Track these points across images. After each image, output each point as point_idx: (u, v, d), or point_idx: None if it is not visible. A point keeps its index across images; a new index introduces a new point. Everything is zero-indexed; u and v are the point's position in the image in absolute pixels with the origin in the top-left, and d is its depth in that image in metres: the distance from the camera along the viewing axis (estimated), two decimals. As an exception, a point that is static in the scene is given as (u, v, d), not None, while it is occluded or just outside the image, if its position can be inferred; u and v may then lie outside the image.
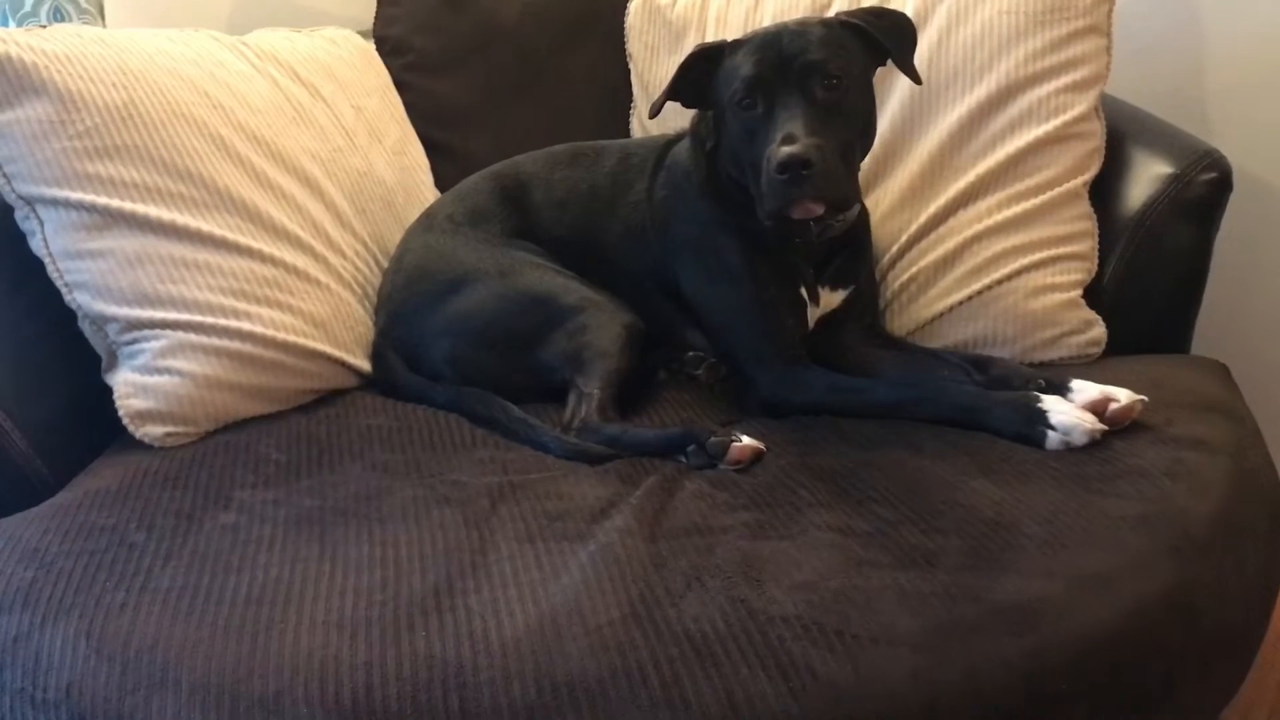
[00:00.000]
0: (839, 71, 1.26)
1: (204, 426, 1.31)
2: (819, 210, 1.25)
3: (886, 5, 1.62)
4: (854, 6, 1.66)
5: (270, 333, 1.35)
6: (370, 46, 1.91)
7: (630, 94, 1.90)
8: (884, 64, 1.37)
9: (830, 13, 1.67)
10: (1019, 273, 1.44)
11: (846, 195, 1.28)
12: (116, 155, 1.32)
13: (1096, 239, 1.47)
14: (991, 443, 1.19)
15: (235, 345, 1.32)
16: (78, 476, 1.24)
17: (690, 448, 1.22)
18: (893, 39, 1.34)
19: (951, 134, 1.52)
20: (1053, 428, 1.17)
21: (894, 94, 1.56)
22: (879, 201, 1.54)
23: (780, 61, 1.26)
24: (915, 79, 1.37)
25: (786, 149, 1.20)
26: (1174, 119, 1.58)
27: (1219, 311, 1.55)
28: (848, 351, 1.44)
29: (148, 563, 1.03)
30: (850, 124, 1.29)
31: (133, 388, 1.29)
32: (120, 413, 1.28)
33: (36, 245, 1.31)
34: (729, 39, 1.37)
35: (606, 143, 1.61)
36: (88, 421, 1.30)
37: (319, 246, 1.47)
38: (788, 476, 1.15)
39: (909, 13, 1.58)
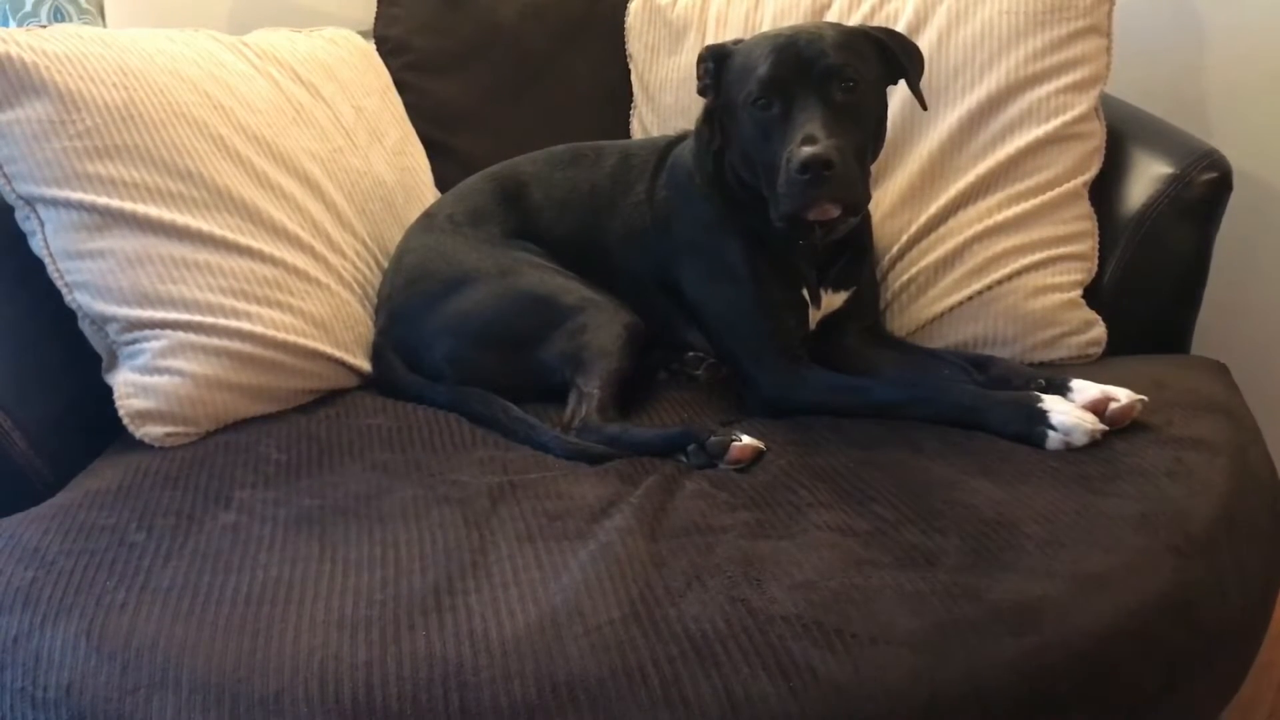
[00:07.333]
0: (857, 75, 1.27)
1: (204, 426, 1.31)
2: (836, 212, 1.25)
3: (882, 11, 1.63)
4: (852, 9, 1.66)
5: (270, 333, 1.35)
6: (370, 46, 1.91)
7: (630, 94, 1.91)
8: (894, 83, 1.37)
9: (830, 13, 1.68)
10: (1019, 273, 1.44)
11: (862, 198, 1.29)
12: (117, 155, 1.32)
13: (1096, 239, 1.47)
14: (992, 443, 1.19)
15: (235, 345, 1.32)
16: (78, 476, 1.24)
17: (690, 447, 1.22)
18: (906, 58, 1.35)
19: (951, 134, 1.52)
20: (1053, 427, 1.17)
21: (894, 95, 1.56)
22: (879, 201, 1.54)
23: (799, 63, 1.26)
24: (923, 104, 1.39)
25: (808, 149, 1.19)
26: (1174, 119, 1.58)
27: (1219, 311, 1.54)
28: (848, 352, 1.44)
29: (148, 562, 1.03)
30: (865, 127, 1.30)
31: (133, 388, 1.29)
32: (120, 412, 1.28)
33: (37, 245, 1.31)
34: (730, 40, 1.38)
35: (607, 143, 1.61)
36: (88, 421, 1.30)
37: (319, 246, 1.47)
38: (788, 476, 1.15)
39: (910, 13, 1.59)
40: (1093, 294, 1.45)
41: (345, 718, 0.85)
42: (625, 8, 1.91)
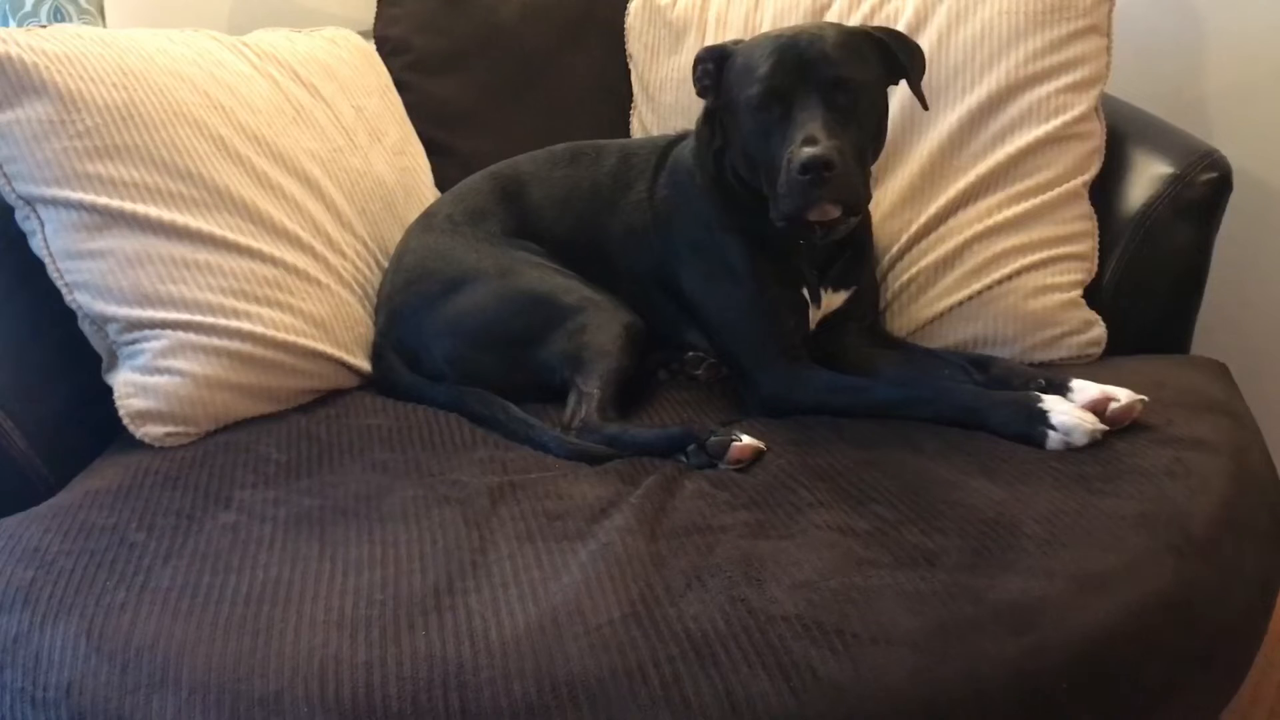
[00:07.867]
0: (857, 76, 1.27)
1: (204, 426, 1.31)
2: (836, 213, 1.25)
3: (882, 11, 1.63)
4: (852, 9, 1.66)
5: (270, 333, 1.35)
6: (370, 46, 1.91)
7: (630, 94, 1.91)
8: (895, 83, 1.37)
9: (830, 13, 1.68)
10: (1019, 273, 1.44)
11: (862, 198, 1.29)
12: (117, 155, 1.32)
13: (1096, 239, 1.47)
14: (992, 443, 1.19)
15: (235, 345, 1.32)
16: (78, 476, 1.24)
17: (690, 447, 1.22)
18: (907, 58, 1.35)
19: (952, 134, 1.52)
20: (1053, 428, 1.17)
21: (894, 95, 1.56)
22: (879, 201, 1.54)
23: (800, 64, 1.26)
24: (924, 104, 1.39)
25: (809, 150, 1.20)
26: (1174, 119, 1.58)
27: (1219, 311, 1.54)
28: (848, 351, 1.44)
29: (148, 562, 1.03)
30: (865, 129, 1.30)
31: (133, 387, 1.29)
32: (120, 412, 1.28)
33: (37, 245, 1.31)
34: (730, 40, 1.38)
35: (606, 142, 1.61)
36: (88, 421, 1.30)
37: (319, 246, 1.47)
38: (788, 476, 1.15)
39: (910, 13, 1.59)
40: (1093, 294, 1.45)
41: (345, 718, 0.85)
42: (625, 8, 1.91)
